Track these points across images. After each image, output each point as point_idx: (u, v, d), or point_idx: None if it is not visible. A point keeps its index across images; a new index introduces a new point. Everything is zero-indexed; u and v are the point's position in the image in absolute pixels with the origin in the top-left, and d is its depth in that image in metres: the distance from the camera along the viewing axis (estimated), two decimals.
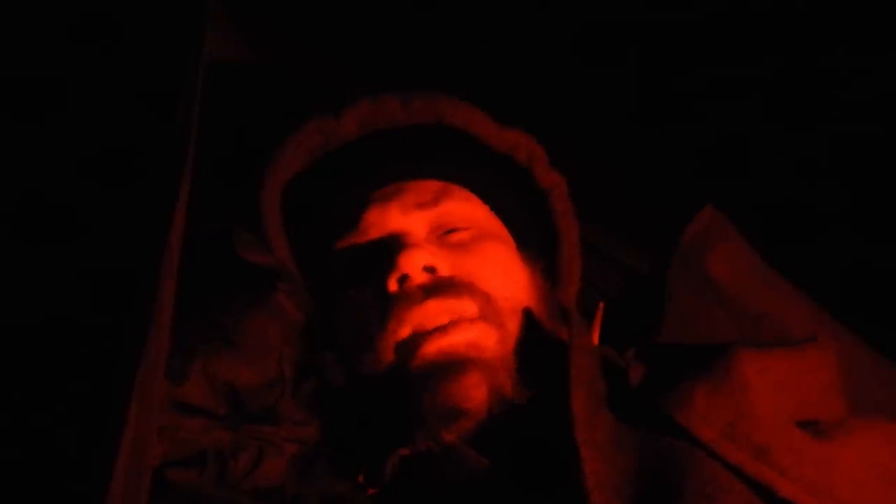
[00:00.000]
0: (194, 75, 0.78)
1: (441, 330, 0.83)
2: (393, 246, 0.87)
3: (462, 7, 1.12)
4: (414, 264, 0.85)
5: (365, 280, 0.87)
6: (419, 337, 0.83)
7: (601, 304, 0.95)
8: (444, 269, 0.86)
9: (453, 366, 0.81)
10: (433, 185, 0.93)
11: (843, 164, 1.09)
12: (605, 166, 1.11)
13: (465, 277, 0.86)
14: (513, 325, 0.87)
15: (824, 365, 0.83)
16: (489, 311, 0.85)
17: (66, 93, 0.85)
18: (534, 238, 0.98)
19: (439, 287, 0.85)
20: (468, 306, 0.85)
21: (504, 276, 0.89)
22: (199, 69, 0.79)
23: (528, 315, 0.88)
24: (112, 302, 0.68)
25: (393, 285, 0.85)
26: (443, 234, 0.90)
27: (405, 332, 0.83)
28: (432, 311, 0.83)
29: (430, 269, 0.86)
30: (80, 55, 0.86)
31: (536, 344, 0.86)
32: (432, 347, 0.82)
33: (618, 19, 1.11)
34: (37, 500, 0.59)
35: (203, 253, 0.80)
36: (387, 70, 1.11)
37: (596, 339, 0.92)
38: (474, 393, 0.81)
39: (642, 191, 1.15)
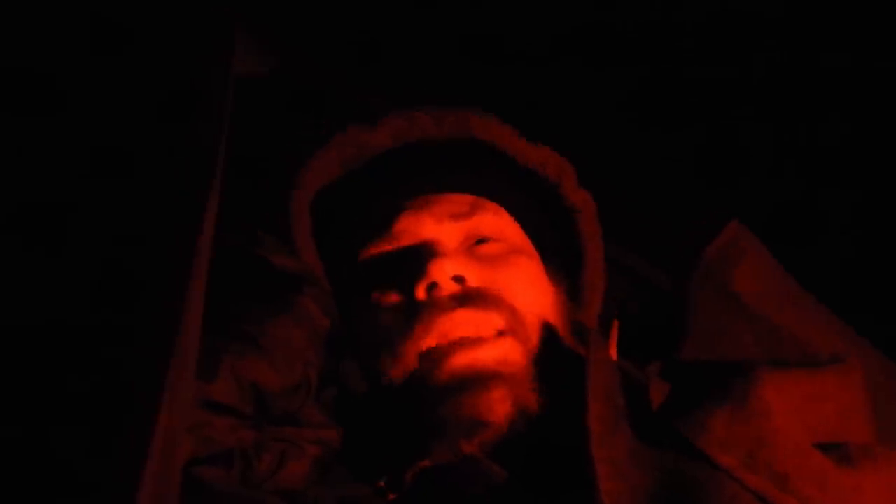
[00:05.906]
0: (222, 84, 0.79)
1: (468, 343, 0.83)
2: (423, 254, 0.87)
3: (464, 12, 1.13)
4: (444, 273, 0.85)
5: (393, 286, 0.88)
6: (445, 348, 0.83)
7: (616, 322, 0.95)
8: (474, 280, 0.87)
9: (480, 379, 0.82)
10: (466, 198, 0.93)
11: (843, 164, 1.10)
12: (606, 171, 1.10)
13: (493, 290, 0.87)
14: (536, 339, 0.87)
15: (850, 386, 0.82)
16: (515, 326, 0.86)
17: (84, 98, 0.85)
18: (559, 257, 0.98)
19: (468, 298, 0.85)
20: (495, 319, 0.85)
21: (531, 291, 0.90)
22: (227, 77, 0.80)
23: (548, 328, 0.89)
24: (142, 302, 0.68)
25: (421, 293, 0.85)
26: (473, 246, 0.91)
27: (431, 341, 0.84)
28: (459, 322, 0.84)
29: (459, 279, 0.86)
30: (101, 63, 0.87)
31: (555, 357, 0.87)
32: (460, 361, 0.83)
33: (617, 19, 1.12)
34: (69, 496, 0.59)
35: (231, 257, 0.81)
36: (411, 83, 1.12)
37: (614, 354, 0.92)
38: (498, 406, 0.81)
39: (645, 197, 1.15)
